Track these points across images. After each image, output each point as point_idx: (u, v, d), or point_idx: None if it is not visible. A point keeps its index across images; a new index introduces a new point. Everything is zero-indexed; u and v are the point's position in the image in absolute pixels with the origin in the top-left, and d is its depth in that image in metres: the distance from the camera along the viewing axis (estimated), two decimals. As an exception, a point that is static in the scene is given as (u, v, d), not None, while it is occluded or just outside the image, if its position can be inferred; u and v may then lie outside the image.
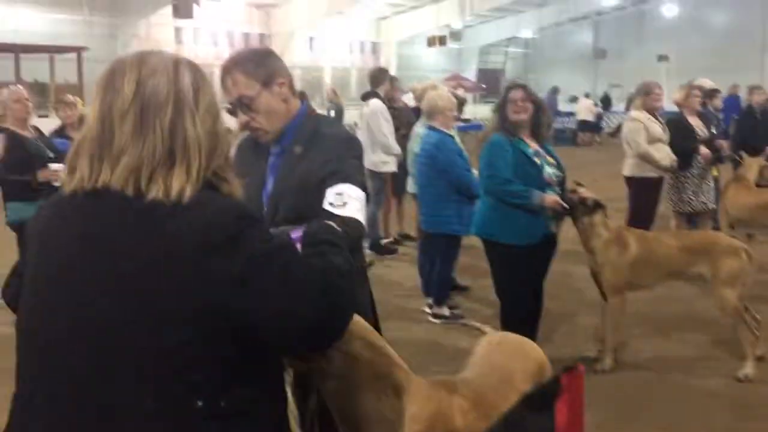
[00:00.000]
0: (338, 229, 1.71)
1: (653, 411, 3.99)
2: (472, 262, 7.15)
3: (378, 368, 1.78)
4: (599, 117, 23.07)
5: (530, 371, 2.19)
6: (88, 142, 1.39)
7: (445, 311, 5.65)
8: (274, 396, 1.46)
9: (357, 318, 1.72)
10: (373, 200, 7.80)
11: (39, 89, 19.52)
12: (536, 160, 4.29)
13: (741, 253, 4.46)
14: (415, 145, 6.37)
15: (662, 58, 30.88)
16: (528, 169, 4.25)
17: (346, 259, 1.54)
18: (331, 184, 2.26)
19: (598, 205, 4.51)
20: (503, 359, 2.27)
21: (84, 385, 1.31)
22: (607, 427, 3.78)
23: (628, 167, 6.69)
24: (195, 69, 1.46)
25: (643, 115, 6.50)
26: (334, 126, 2.66)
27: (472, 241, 6.30)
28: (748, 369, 4.36)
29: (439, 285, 5.66)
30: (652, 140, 6.42)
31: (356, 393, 1.75)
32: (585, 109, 21.46)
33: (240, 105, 2.37)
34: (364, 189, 2.32)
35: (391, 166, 7.72)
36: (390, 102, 8.06)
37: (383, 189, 7.88)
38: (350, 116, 15.91)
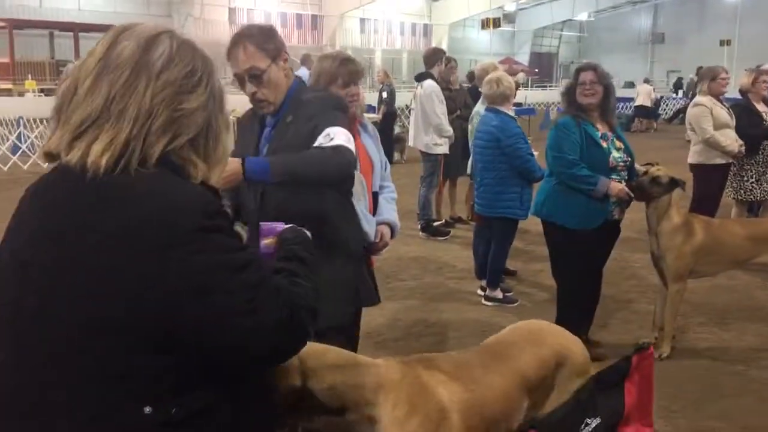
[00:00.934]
0: (309, 241, 1.65)
1: (711, 401, 3.90)
2: (524, 247, 7.11)
3: (353, 384, 1.75)
4: (657, 103, 22.51)
5: (541, 357, 2.12)
6: (59, 102, 1.31)
7: (499, 294, 5.62)
8: (236, 402, 1.33)
9: (312, 348, 1.69)
10: (425, 182, 7.81)
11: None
12: (603, 143, 4.21)
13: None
14: (475, 127, 6.32)
15: (724, 42, 29.91)
16: (594, 153, 4.18)
17: (313, 287, 1.45)
18: (318, 132, 2.42)
19: (674, 182, 4.41)
20: (511, 342, 2.24)
21: (18, 388, 1.23)
22: (662, 416, 3.72)
23: (694, 154, 6.52)
24: (182, 44, 1.35)
25: (708, 100, 6.32)
26: (318, 91, 2.77)
27: (524, 225, 6.26)
28: (814, 362, 4.23)
29: (493, 268, 5.62)
30: (719, 126, 6.24)
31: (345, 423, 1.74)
32: (644, 95, 20.93)
33: (250, 77, 2.51)
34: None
35: (443, 148, 7.68)
36: (446, 83, 8.01)
37: (436, 171, 7.85)
38: (401, 98, 15.87)
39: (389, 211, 3.20)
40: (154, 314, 1.19)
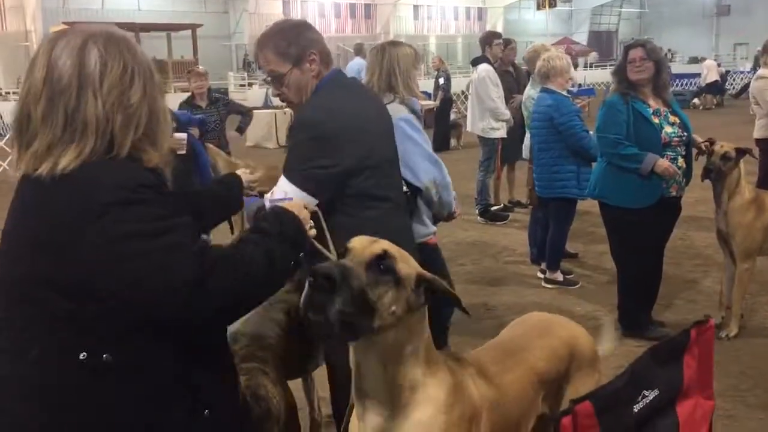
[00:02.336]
0: (279, 218, 1.69)
1: (783, 380, 3.81)
2: (585, 228, 7.02)
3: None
4: (723, 77, 21.72)
5: (552, 347, 2.09)
6: (14, 127, 1.47)
7: (559, 277, 5.58)
8: (163, 354, 1.45)
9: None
10: (483, 167, 7.78)
11: (158, 66, 20.64)
12: (655, 119, 4.14)
13: None
14: (529, 109, 6.27)
15: (794, 12, 28.57)
16: (644, 129, 4.10)
17: (265, 252, 1.52)
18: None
19: (742, 153, 4.31)
20: (520, 335, 2.20)
21: None
22: (731, 395, 3.66)
23: (759, 128, 6.31)
24: (107, 44, 1.45)
25: (773, 72, 6.11)
26: (316, 99, 2.42)
27: (584, 207, 6.19)
28: None
29: (553, 250, 5.58)
30: (785, 98, 6.02)
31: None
32: (711, 70, 20.22)
33: (273, 80, 2.44)
34: (305, 181, 2.24)
35: (500, 132, 7.62)
36: (509, 65, 7.97)
37: (493, 155, 7.81)
38: (457, 84, 15.79)
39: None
40: (79, 275, 1.36)
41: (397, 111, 3.29)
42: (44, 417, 1.39)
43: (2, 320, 1.43)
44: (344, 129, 2.30)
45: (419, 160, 3.31)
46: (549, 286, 5.55)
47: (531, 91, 6.42)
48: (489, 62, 7.66)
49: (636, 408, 1.67)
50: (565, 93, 5.43)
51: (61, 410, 1.39)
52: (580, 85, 16.77)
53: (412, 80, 3.49)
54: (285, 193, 2.18)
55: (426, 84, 15.86)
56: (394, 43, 3.61)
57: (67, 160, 1.38)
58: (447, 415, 1.63)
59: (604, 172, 4.34)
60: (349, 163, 2.30)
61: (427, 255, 3.25)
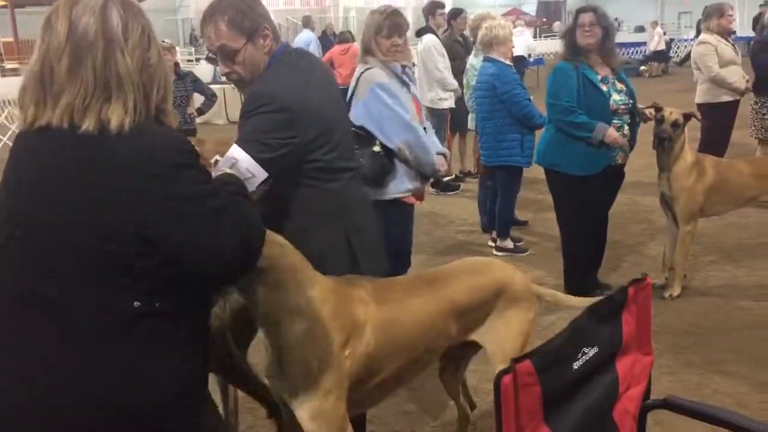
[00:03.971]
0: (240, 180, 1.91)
1: (721, 335, 3.94)
2: (534, 196, 7.12)
3: (292, 263, 1.99)
4: (668, 46, 22.10)
5: (477, 284, 2.34)
6: (32, 82, 1.49)
7: (509, 244, 5.66)
8: (200, 302, 1.64)
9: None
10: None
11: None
12: (603, 87, 4.17)
13: (816, 176, 4.30)
14: (471, 78, 6.29)
15: (735, -20, 29.17)
16: (593, 97, 4.14)
17: (254, 212, 1.68)
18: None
19: (687, 117, 4.41)
20: (450, 271, 2.41)
21: (30, 281, 1.47)
22: (674, 352, 3.78)
23: (701, 93, 6.45)
24: (124, 6, 1.52)
25: (713, 38, 6.23)
26: (270, 73, 2.32)
27: (533, 175, 6.26)
28: (825, 293, 4.25)
29: (502, 218, 5.64)
30: (724, 63, 6.16)
31: (279, 292, 1.95)
32: (657, 38, 20.55)
33: (222, 56, 2.28)
34: (261, 150, 2.14)
35: (449, 102, 7.63)
36: (456, 36, 7.96)
37: (443, 126, 7.81)
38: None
39: (438, 144, 3.83)
40: (138, 229, 1.43)
41: (374, 76, 3.42)
42: (93, 362, 1.46)
43: (51, 272, 1.46)
44: (304, 102, 2.23)
45: (391, 124, 3.41)
46: (500, 253, 5.61)
47: (474, 60, 6.43)
48: (434, 32, 7.63)
49: (576, 365, 1.69)
50: (507, 62, 5.44)
51: (115, 355, 1.47)
52: (529, 55, 16.81)
53: (392, 45, 3.56)
54: (234, 159, 2.09)
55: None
56: (380, 10, 3.69)
57: (118, 117, 1.44)
58: (322, 326, 1.97)
59: (553, 140, 4.35)
60: (311, 135, 2.24)
61: (396, 212, 3.57)
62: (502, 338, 2.37)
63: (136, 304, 1.47)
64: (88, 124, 1.43)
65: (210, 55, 2.36)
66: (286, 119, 2.17)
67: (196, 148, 2.19)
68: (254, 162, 2.10)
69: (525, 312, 2.41)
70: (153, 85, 1.53)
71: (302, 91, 2.26)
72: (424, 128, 3.66)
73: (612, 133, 4.11)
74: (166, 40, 7.50)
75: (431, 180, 3.72)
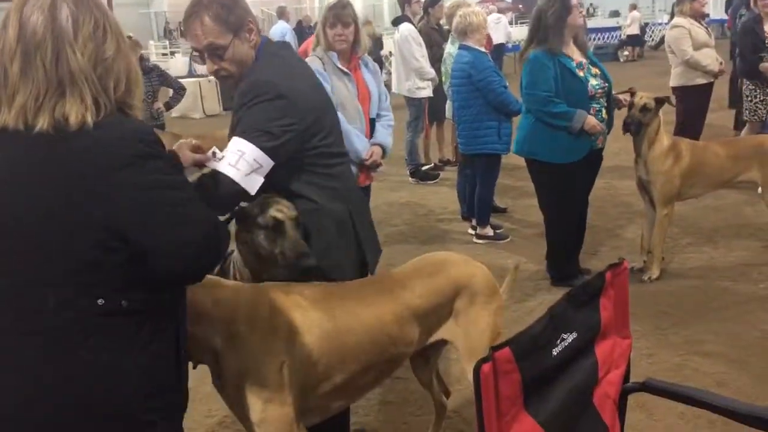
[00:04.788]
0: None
1: (700, 316, 3.99)
2: (513, 183, 7.14)
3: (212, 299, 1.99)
4: (643, 30, 22.21)
5: (435, 286, 2.31)
6: None
7: (489, 232, 5.67)
8: (169, 301, 1.60)
9: None
10: (411, 127, 7.78)
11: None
12: (580, 73, 4.16)
13: (791, 155, 4.35)
14: (449, 66, 6.27)
15: (708, -37, 29.36)
16: (571, 84, 4.12)
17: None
18: (235, 129, 2.18)
19: (660, 102, 4.42)
20: (405, 274, 2.37)
21: None
22: (654, 334, 3.81)
23: (675, 76, 6.49)
24: (76, 2, 1.49)
25: (686, 21, 6.27)
26: (260, 65, 2.31)
27: (512, 162, 6.27)
28: (800, 271, 4.31)
29: (482, 206, 5.65)
30: (698, 46, 6.21)
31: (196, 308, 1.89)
32: (630, 22, 20.63)
33: (210, 54, 2.24)
34: (265, 139, 2.13)
35: (427, 91, 7.61)
36: (434, 24, 7.92)
37: (421, 115, 7.80)
38: (389, 45, 15.61)
39: (384, 135, 3.84)
40: (104, 222, 1.42)
41: (311, 63, 3.44)
42: (60, 362, 1.45)
43: (16, 273, 1.45)
44: (297, 90, 2.25)
45: None
46: (480, 241, 5.63)
47: (451, 48, 6.42)
48: (410, 21, 7.61)
49: (555, 351, 1.69)
50: (482, 49, 5.43)
51: (77, 354, 1.45)
52: (507, 42, 16.82)
53: (335, 35, 3.70)
54: (240, 152, 2.08)
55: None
56: (331, 3, 3.81)
57: (76, 113, 1.43)
58: (247, 336, 1.97)
59: (533, 129, 4.31)
60: (309, 120, 2.26)
61: None
62: (469, 336, 2.36)
63: (100, 301, 1.45)
64: (42, 123, 1.42)
65: (194, 53, 2.32)
66: (285, 107, 2.17)
67: (196, 141, 2.21)
68: (261, 152, 2.11)
69: (489, 305, 2.38)
70: (110, 79, 1.50)
71: (293, 80, 2.29)
72: (377, 116, 3.83)
73: (591, 120, 4.11)
74: (131, 35, 7.42)
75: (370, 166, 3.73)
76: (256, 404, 1.97)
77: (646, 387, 1.98)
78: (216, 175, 2.07)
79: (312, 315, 2.08)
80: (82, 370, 1.45)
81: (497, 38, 13.68)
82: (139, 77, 1.60)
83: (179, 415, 1.67)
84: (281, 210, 2.25)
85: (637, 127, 4.38)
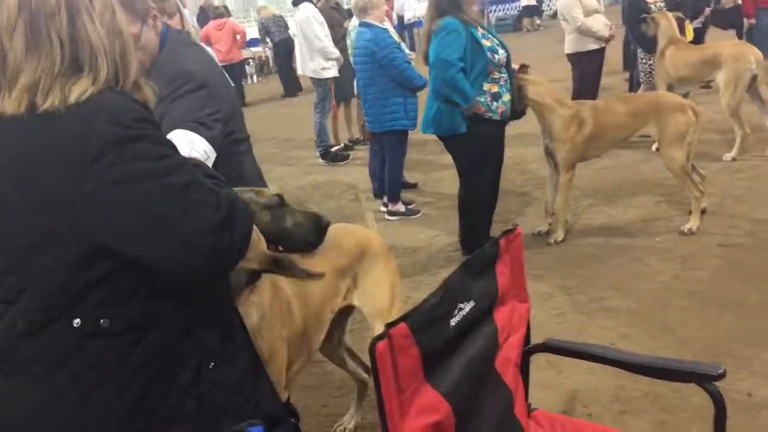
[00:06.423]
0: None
1: (603, 273, 4.15)
2: (423, 158, 7.21)
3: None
4: (539, 0, 22.70)
5: (350, 245, 2.42)
6: None
7: (401, 207, 5.71)
8: (163, 316, 1.30)
9: None
10: (318, 108, 7.72)
11: None
12: (486, 43, 4.15)
13: (687, 110, 4.53)
14: (354, 40, 6.25)
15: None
16: (477, 56, 4.11)
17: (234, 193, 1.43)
18: (166, 126, 2.07)
19: (523, 66, 4.54)
20: (329, 239, 2.42)
21: None
22: (562, 294, 3.94)
23: (569, 44, 6.69)
24: None
25: (577, -11, 6.45)
26: (170, 55, 2.25)
27: (421, 137, 6.32)
28: (692, 223, 4.53)
29: (392, 182, 5.68)
30: (588, 13, 6.40)
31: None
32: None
33: None
34: (203, 130, 2.10)
35: (332, 71, 7.57)
36: (332, 3, 7.86)
37: (327, 95, 7.75)
38: (293, 27, 15.40)
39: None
40: (83, 228, 1.18)
41: None
42: (43, 390, 1.24)
43: None
44: (213, 76, 2.26)
45: None
46: (392, 218, 5.66)
47: (355, 22, 6.38)
48: (311, 1, 7.52)
49: (453, 322, 1.72)
50: (384, 25, 5.43)
51: (61, 379, 1.24)
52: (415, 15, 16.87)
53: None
54: (191, 144, 2.00)
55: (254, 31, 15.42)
56: None
57: (81, 89, 1.20)
58: (269, 311, 1.92)
59: (439, 106, 4.27)
60: (227, 108, 2.27)
61: None
62: (373, 296, 2.47)
63: (76, 322, 1.21)
64: (51, 102, 1.19)
65: None
66: (208, 95, 2.16)
67: None
68: (207, 142, 2.07)
69: (387, 265, 2.53)
70: (125, 56, 1.29)
71: (206, 67, 2.29)
72: None
73: (473, 108, 4.16)
74: None
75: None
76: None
77: (546, 347, 2.05)
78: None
79: (290, 286, 2.13)
80: (59, 400, 1.24)
81: (420, 13, 13.79)
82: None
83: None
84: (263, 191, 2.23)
85: (521, 113, 4.49)
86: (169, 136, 1.96)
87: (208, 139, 2.10)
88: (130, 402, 1.26)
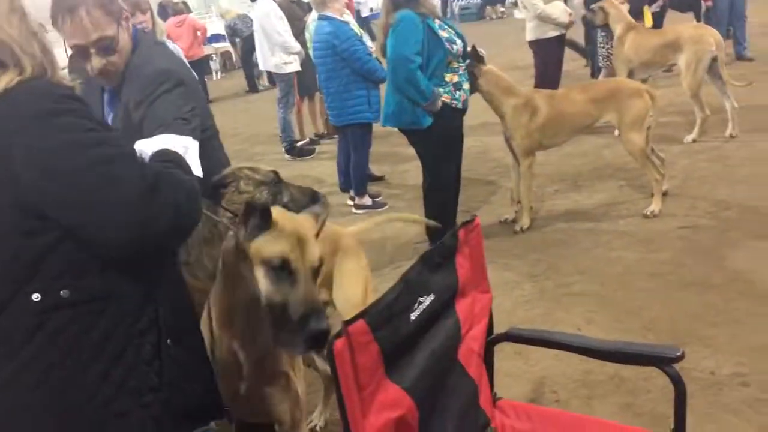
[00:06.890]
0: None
1: (569, 259, 4.18)
2: (389, 150, 7.18)
3: None
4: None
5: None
6: None
7: (367, 201, 5.69)
8: (149, 280, 1.41)
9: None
10: (281, 103, 7.65)
11: None
12: (443, 34, 4.11)
13: (644, 95, 4.59)
14: (309, 38, 6.20)
15: None
16: (435, 48, 4.06)
17: (191, 178, 1.50)
18: (150, 129, 2.04)
19: (474, 54, 4.54)
20: None
21: None
22: (529, 281, 3.97)
23: (529, 31, 6.70)
24: None
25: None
26: (145, 54, 2.23)
27: (384, 129, 6.29)
28: (654, 206, 4.59)
29: (357, 175, 5.66)
30: (547, 0, 6.42)
31: None
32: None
33: (100, 49, 2.08)
34: (189, 127, 2.07)
35: (294, 66, 7.51)
36: None
37: (291, 90, 7.69)
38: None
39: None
40: (12, 201, 1.25)
41: None
42: (6, 367, 1.28)
43: None
44: (187, 73, 2.30)
45: None
46: (359, 211, 5.64)
47: (315, 15, 6.33)
48: (269, -5, 7.45)
49: (413, 315, 1.70)
50: (343, 18, 5.39)
51: (25, 355, 1.28)
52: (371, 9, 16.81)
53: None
54: (185, 148, 1.93)
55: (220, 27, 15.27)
56: None
57: (7, 79, 1.29)
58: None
59: (401, 103, 4.20)
60: (201, 104, 2.30)
61: None
62: (345, 291, 2.49)
63: (36, 296, 1.26)
64: None
65: (79, 50, 2.09)
66: (186, 92, 2.16)
67: None
68: (195, 141, 2.03)
69: (357, 261, 2.56)
70: (51, 53, 1.37)
71: (179, 64, 2.34)
72: None
73: (439, 104, 4.12)
74: None
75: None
76: None
77: (509, 336, 2.05)
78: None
79: None
80: (24, 375, 1.28)
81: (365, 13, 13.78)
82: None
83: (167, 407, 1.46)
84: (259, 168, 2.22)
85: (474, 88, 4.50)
86: (161, 143, 1.92)
87: (194, 138, 2.07)
88: (96, 376, 1.32)
